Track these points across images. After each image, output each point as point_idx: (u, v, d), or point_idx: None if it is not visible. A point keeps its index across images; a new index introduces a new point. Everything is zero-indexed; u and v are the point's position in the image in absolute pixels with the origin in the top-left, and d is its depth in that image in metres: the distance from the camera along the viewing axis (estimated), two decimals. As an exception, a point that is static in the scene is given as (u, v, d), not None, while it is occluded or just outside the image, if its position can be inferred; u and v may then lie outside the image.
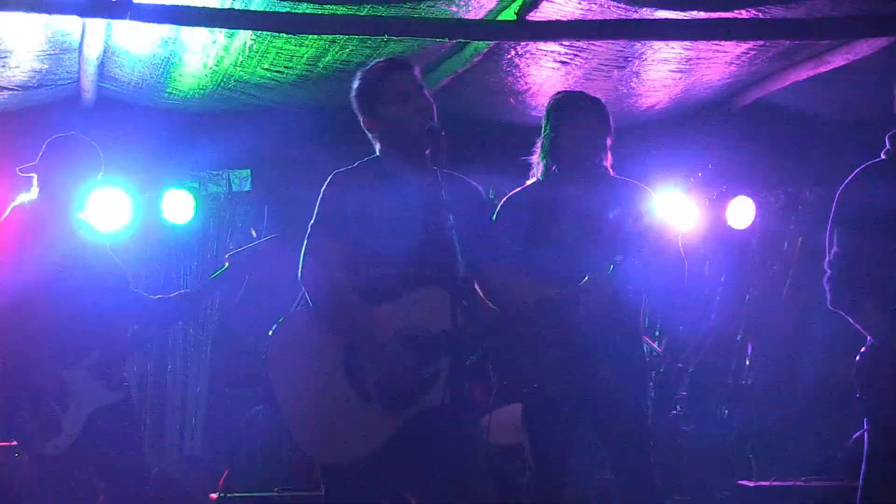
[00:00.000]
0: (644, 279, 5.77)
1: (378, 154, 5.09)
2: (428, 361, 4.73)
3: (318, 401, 4.84)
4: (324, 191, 5.04)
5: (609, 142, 5.95)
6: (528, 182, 6.00)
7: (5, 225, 6.51)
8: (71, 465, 6.34)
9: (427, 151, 4.93)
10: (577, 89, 6.88)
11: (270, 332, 5.01)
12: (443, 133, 4.77)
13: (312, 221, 5.04)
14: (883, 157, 5.41)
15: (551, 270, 5.06)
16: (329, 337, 4.89)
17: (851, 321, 5.30)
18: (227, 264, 6.57)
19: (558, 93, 6.19)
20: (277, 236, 6.56)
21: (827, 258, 5.36)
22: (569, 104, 6.00)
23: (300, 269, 5.01)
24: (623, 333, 5.78)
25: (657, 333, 10.48)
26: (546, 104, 6.11)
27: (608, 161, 5.96)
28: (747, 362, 10.59)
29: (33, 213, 6.53)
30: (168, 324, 7.47)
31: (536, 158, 6.00)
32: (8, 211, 6.58)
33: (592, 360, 5.65)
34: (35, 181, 6.59)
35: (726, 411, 10.36)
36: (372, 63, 5.21)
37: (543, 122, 6.01)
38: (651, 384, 9.66)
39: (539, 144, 6.00)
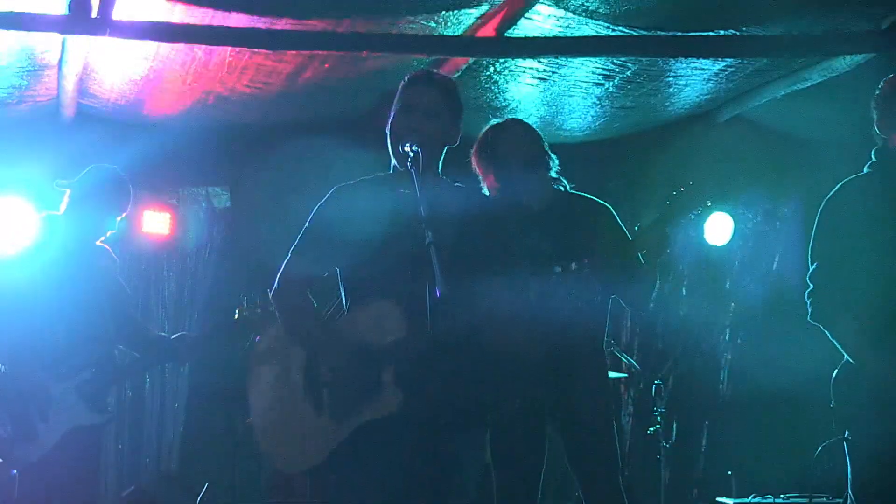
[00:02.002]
0: (604, 295, 5.79)
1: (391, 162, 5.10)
2: (371, 371, 4.76)
3: (279, 410, 4.89)
4: (321, 203, 5.05)
5: (548, 157, 5.94)
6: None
7: (29, 234, 6.81)
8: (44, 475, 6.35)
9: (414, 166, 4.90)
10: (538, 107, 6.83)
11: (256, 339, 5.11)
12: (416, 152, 4.75)
13: (299, 235, 5.06)
14: (866, 170, 5.41)
15: (509, 286, 5.03)
16: (295, 349, 4.93)
17: (829, 336, 5.31)
18: (237, 316, 6.59)
19: (488, 127, 6.15)
20: None
21: (808, 272, 5.36)
22: (496, 133, 5.98)
23: (275, 283, 5.05)
24: (585, 350, 5.80)
25: (636, 350, 10.48)
26: (479, 136, 6.08)
27: (555, 172, 5.95)
28: (726, 378, 10.59)
29: (57, 226, 6.65)
30: (164, 363, 7.44)
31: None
32: (35, 221, 6.83)
33: (554, 378, 5.66)
34: (67, 197, 6.66)
35: (705, 427, 10.37)
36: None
37: (476, 160, 5.99)
38: (629, 400, 9.68)
39: (482, 175, 5.98)
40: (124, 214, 6.82)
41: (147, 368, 7.58)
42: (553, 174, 5.91)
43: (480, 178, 5.90)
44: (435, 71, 5.15)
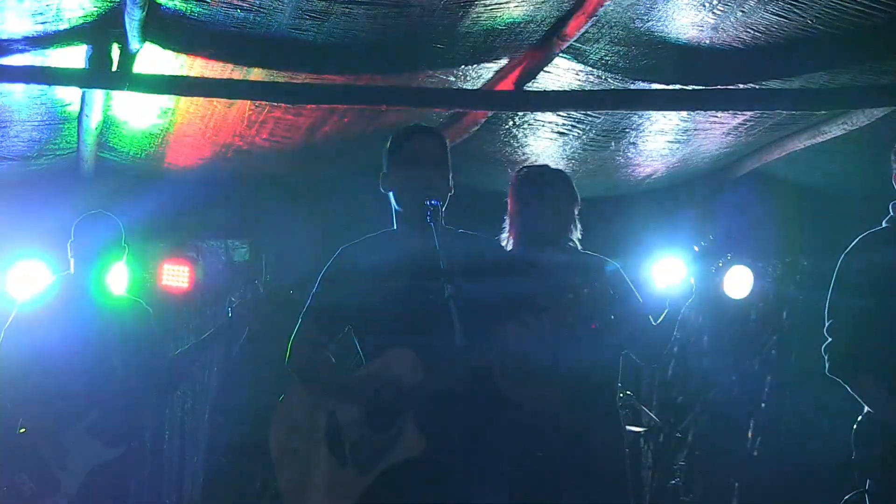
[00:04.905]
0: (614, 353, 5.77)
1: (394, 218, 5.07)
2: (391, 418, 4.73)
3: (303, 466, 4.87)
4: (328, 265, 5.04)
5: (576, 212, 5.94)
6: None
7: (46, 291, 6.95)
8: None
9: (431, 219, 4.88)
10: (557, 159, 6.85)
11: (280, 399, 5.06)
12: (437, 205, 4.76)
13: (310, 298, 5.05)
14: (885, 224, 5.40)
15: (538, 317, 5.00)
16: (316, 404, 4.93)
17: (848, 389, 5.29)
18: (229, 314, 6.61)
19: (522, 168, 6.16)
20: (282, 286, 6.56)
21: (826, 325, 5.34)
22: (533, 179, 5.97)
23: (288, 350, 5.04)
24: (599, 401, 5.76)
25: (655, 403, 10.42)
26: (511, 180, 6.08)
27: (577, 233, 5.95)
28: (751, 430, 10.51)
29: (68, 284, 6.81)
30: (169, 387, 7.45)
31: (505, 234, 5.97)
32: (52, 282, 7.04)
33: (568, 435, 5.62)
34: (69, 255, 6.78)
35: (736, 483, 10.27)
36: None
37: (509, 199, 5.98)
38: (649, 454, 9.61)
39: (508, 221, 5.97)
40: (124, 249, 6.88)
41: (153, 393, 7.50)
42: (576, 238, 5.92)
43: (510, 214, 5.91)
44: (424, 123, 5.11)
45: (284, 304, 6.32)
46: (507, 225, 5.94)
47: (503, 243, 5.89)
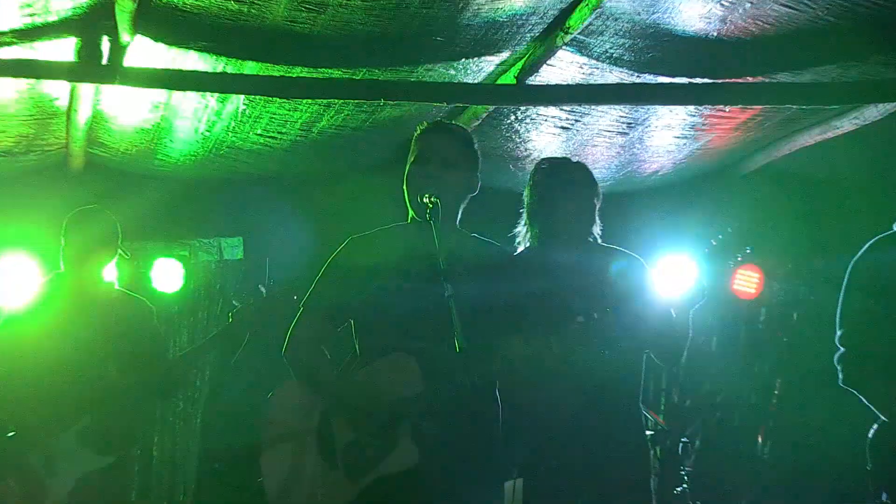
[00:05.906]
0: (637, 349, 5.62)
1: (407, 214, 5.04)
2: (386, 428, 4.67)
3: (292, 468, 4.83)
4: (335, 255, 5.02)
5: (597, 206, 5.82)
6: (519, 249, 5.85)
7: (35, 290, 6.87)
8: None
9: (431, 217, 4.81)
10: (562, 155, 6.79)
11: (270, 395, 5.03)
12: (436, 205, 4.68)
13: (312, 286, 5.02)
14: (895, 229, 5.31)
15: (545, 340, 4.90)
16: (308, 405, 4.89)
17: (863, 399, 5.20)
18: (230, 319, 6.51)
19: (544, 160, 6.07)
20: (284, 290, 6.48)
21: (838, 335, 5.26)
22: (555, 172, 5.87)
23: (287, 339, 4.99)
24: (619, 407, 5.61)
25: (662, 407, 10.36)
26: (531, 171, 5.98)
27: (597, 227, 5.83)
28: (758, 439, 10.46)
29: (61, 284, 6.71)
30: (167, 393, 7.35)
31: (523, 227, 5.86)
32: (42, 282, 6.91)
33: (587, 435, 5.46)
34: (60, 253, 6.67)
35: (744, 490, 10.21)
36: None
37: (528, 191, 5.86)
38: (656, 459, 9.50)
39: (526, 213, 5.86)
40: (118, 246, 6.82)
41: (150, 399, 7.44)
42: (597, 232, 5.79)
43: (529, 208, 5.77)
44: (449, 121, 5.09)
45: (287, 308, 6.24)
46: (524, 219, 5.82)
47: (519, 238, 5.81)
